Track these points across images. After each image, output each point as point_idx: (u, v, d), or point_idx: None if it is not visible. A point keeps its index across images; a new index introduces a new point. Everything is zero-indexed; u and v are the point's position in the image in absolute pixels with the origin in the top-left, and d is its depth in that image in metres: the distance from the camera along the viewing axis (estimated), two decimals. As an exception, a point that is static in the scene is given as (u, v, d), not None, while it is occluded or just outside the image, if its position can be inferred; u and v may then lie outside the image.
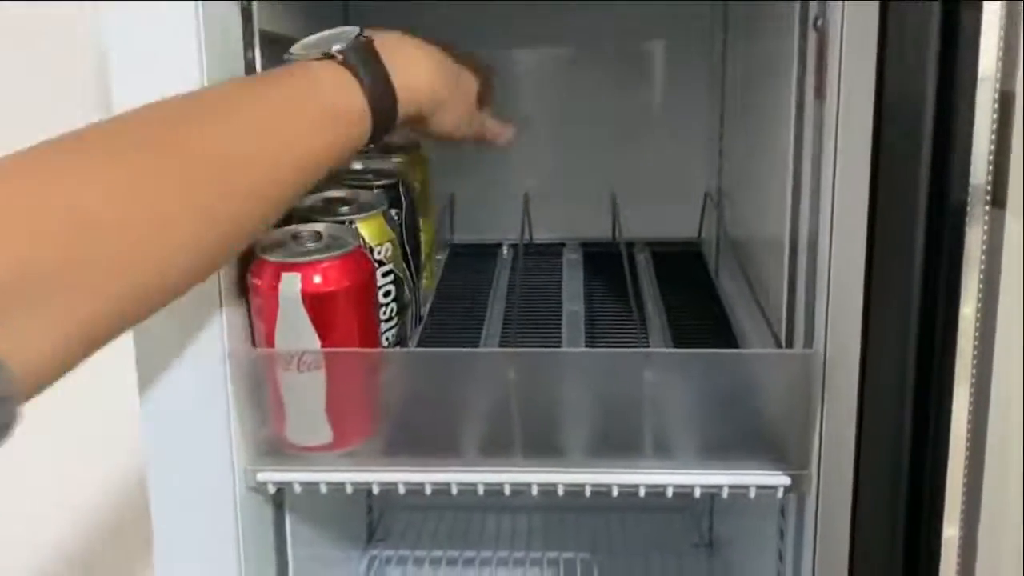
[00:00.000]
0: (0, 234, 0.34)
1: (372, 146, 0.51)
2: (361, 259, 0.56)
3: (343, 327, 0.55)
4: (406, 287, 0.65)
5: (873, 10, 0.43)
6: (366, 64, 0.49)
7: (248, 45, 0.57)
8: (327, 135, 0.47)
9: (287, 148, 0.45)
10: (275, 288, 0.53)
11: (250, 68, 0.57)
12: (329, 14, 0.81)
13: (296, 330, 0.54)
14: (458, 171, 0.88)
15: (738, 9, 0.79)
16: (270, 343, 0.55)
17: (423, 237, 0.74)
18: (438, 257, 0.86)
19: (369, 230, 0.61)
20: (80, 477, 0.87)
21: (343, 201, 0.63)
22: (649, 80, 0.90)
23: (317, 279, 0.54)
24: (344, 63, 0.48)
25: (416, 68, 0.52)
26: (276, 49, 0.62)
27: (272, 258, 0.54)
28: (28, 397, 0.35)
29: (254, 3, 0.57)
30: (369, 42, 0.50)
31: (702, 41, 0.88)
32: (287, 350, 0.54)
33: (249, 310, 0.56)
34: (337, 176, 0.68)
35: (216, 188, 0.41)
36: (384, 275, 0.61)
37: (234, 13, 0.56)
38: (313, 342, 0.54)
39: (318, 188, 0.68)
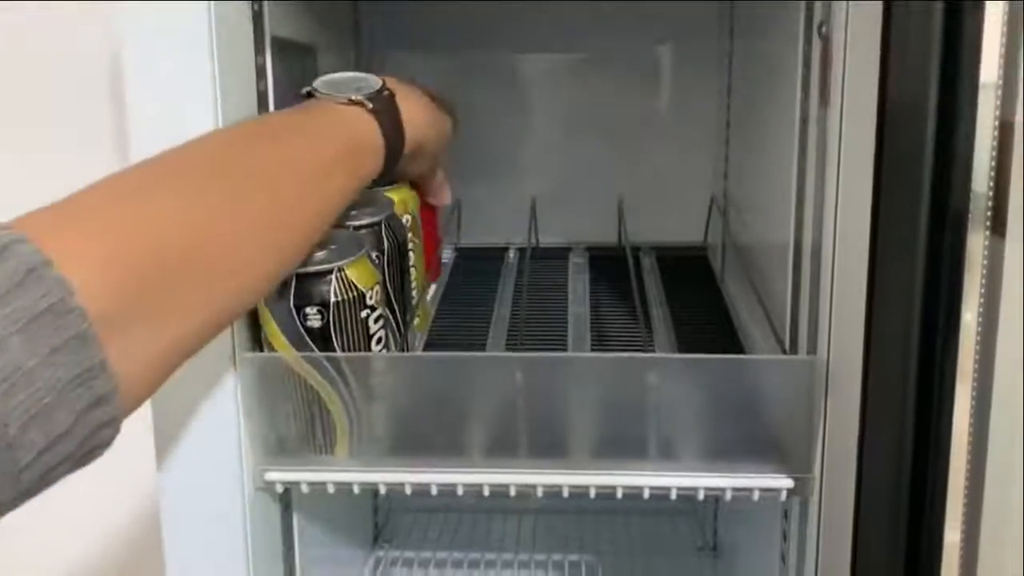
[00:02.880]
0: (126, 250, 0.37)
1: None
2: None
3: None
4: (394, 332, 0.62)
5: (876, 16, 0.43)
6: (387, 112, 0.57)
7: (259, 50, 0.58)
8: (353, 166, 0.53)
9: (324, 173, 0.51)
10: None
11: (261, 72, 0.58)
12: (339, 17, 0.82)
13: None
14: (465, 175, 0.89)
15: (744, 15, 0.80)
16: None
17: (414, 272, 0.68)
18: (444, 259, 0.87)
19: (357, 274, 0.56)
20: (88, 476, 0.87)
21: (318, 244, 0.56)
22: (656, 85, 0.90)
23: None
24: (371, 111, 0.55)
25: (419, 118, 0.60)
26: (286, 55, 0.63)
27: None
28: (128, 413, 0.38)
29: (265, 4, 0.57)
30: (391, 95, 0.58)
31: (709, 47, 0.88)
32: None
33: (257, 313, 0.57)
34: None
35: (279, 208, 0.47)
36: (375, 320, 0.57)
37: (245, 15, 0.56)
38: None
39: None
